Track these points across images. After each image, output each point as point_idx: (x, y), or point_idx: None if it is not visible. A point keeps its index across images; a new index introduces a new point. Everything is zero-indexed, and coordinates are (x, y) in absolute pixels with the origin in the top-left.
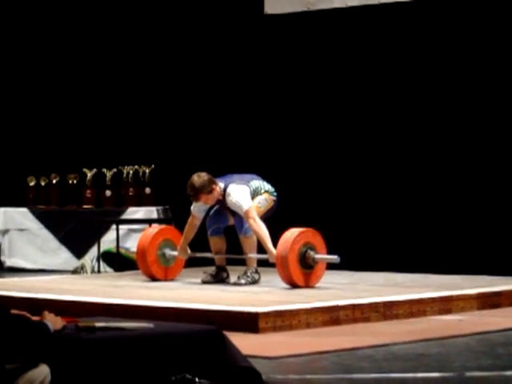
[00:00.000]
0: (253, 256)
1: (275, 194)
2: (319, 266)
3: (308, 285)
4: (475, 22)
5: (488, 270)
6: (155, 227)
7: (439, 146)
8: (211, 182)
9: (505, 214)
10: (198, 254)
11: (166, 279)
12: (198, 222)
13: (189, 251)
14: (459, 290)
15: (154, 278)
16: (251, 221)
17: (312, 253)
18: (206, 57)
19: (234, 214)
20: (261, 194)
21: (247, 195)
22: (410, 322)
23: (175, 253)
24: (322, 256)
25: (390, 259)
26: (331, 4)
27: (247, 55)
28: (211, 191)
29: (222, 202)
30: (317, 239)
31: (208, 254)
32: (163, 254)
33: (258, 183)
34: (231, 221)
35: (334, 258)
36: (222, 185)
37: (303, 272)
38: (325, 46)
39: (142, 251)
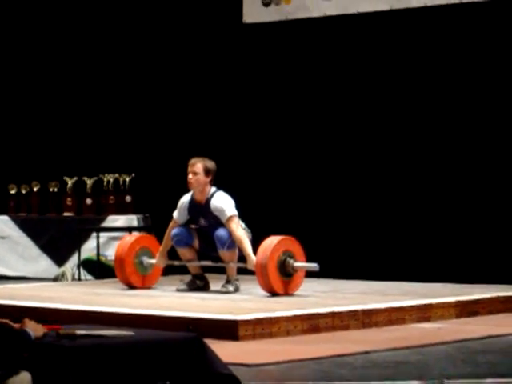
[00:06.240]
0: (232, 264)
1: (250, 233)
2: (298, 274)
3: (287, 293)
4: (467, 23)
5: (466, 278)
6: (132, 236)
7: (416, 155)
8: (213, 174)
9: (482, 223)
10: (176, 262)
11: (143, 287)
12: None
13: (167, 259)
14: (438, 298)
15: (131, 286)
16: (234, 226)
17: (291, 261)
18: (185, 66)
19: (204, 236)
20: None
21: (233, 204)
22: (389, 329)
23: (153, 261)
24: (302, 264)
25: (369, 267)
26: (309, 13)
27: (226, 64)
28: (208, 176)
29: (201, 207)
30: (296, 247)
31: (186, 263)
32: (141, 262)
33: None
34: (196, 244)
35: (314, 265)
36: (213, 188)
37: (282, 280)
38: (303, 55)
39: (119, 260)
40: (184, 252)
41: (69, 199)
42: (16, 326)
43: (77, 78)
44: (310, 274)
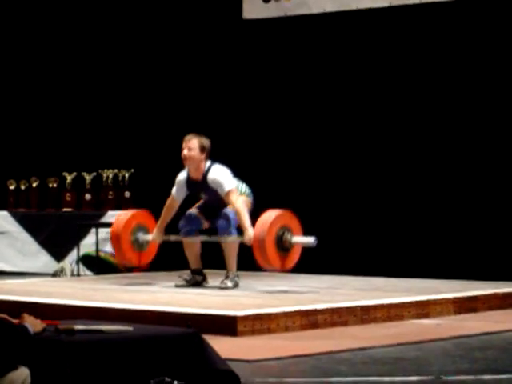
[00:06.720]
0: (231, 238)
1: (252, 196)
2: (295, 249)
3: (284, 267)
4: (465, 19)
5: (464, 275)
6: (128, 212)
7: (415, 151)
8: (208, 152)
9: (480, 219)
10: (173, 238)
11: (140, 264)
12: (176, 205)
13: (164, 234)
14: (436, 294)
15: (128, 264)
16: (233, 199)
17: (289, 235)
18: (185, 62)
19: (211, 217)
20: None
21: (230, 176)
22: (387, 325)
23: (149, 237)
24: (299, 238)
25: (368, 263)
26: (309, 10)
27: (226, 60)
28: (202, 153)
29: (198, 184)
30: (293, 222)
31: (182, 238)
32: (137, 239)
33: (237, 183)
34: (205, 224)
35: (311, 240)
36: (208, 162)
37: (280, 255)
38: (303, 51)
39: (115, 236)
40: (189, 243)
41: (68, 195)
42: (15, 321)
43: (75, 74)
44: (308, 271)
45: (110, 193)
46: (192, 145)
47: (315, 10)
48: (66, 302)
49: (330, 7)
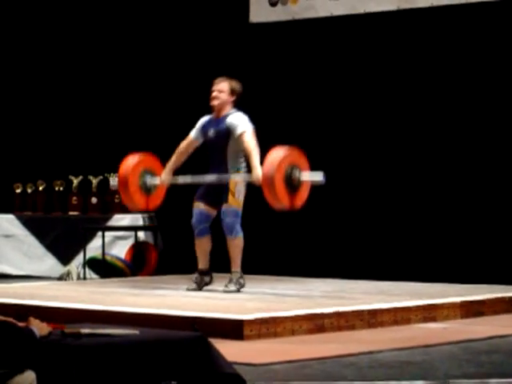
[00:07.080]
0: (238, 177)
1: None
2: (304, 187)
3: (293, 205)
4: (473, 23)
5: (471, 279)
6: (135, 156)
7: (421, 155)
8: (238, 97)
9: (487, 223)
10: (181, 179)
11: (147, 208)
12: (191, 145)
13: (172, 177)
14: (443, 298)
15: (136, 208)
16: (247, 138)
17: (297, 173)
18: (191, 66)
19: (216, 204)
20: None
21: (249, 123)
22: (394, 329)
23: (156, 180)
24: (308, 174)
25: (375, 267)
26: (316, 13)
27: (232, 64)
28: (232, 95)
29: (216, 121)
30: (302, 159)
31: (190, 179)
32: (144, 183)
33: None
34: (214, 213)
35: (320, 177)
36: (234, 109)
37: (289, 192)
38: (310, 55)
39: (123, 181)
40: (202, 242)
41: (74, 198)
42: (21, 324)
43: (82, 78)
44: (314, 274)
45: (117, 196)
46: (223, 87)
47: (322, 13)
48: (73, 306)
49: (337, 11)
